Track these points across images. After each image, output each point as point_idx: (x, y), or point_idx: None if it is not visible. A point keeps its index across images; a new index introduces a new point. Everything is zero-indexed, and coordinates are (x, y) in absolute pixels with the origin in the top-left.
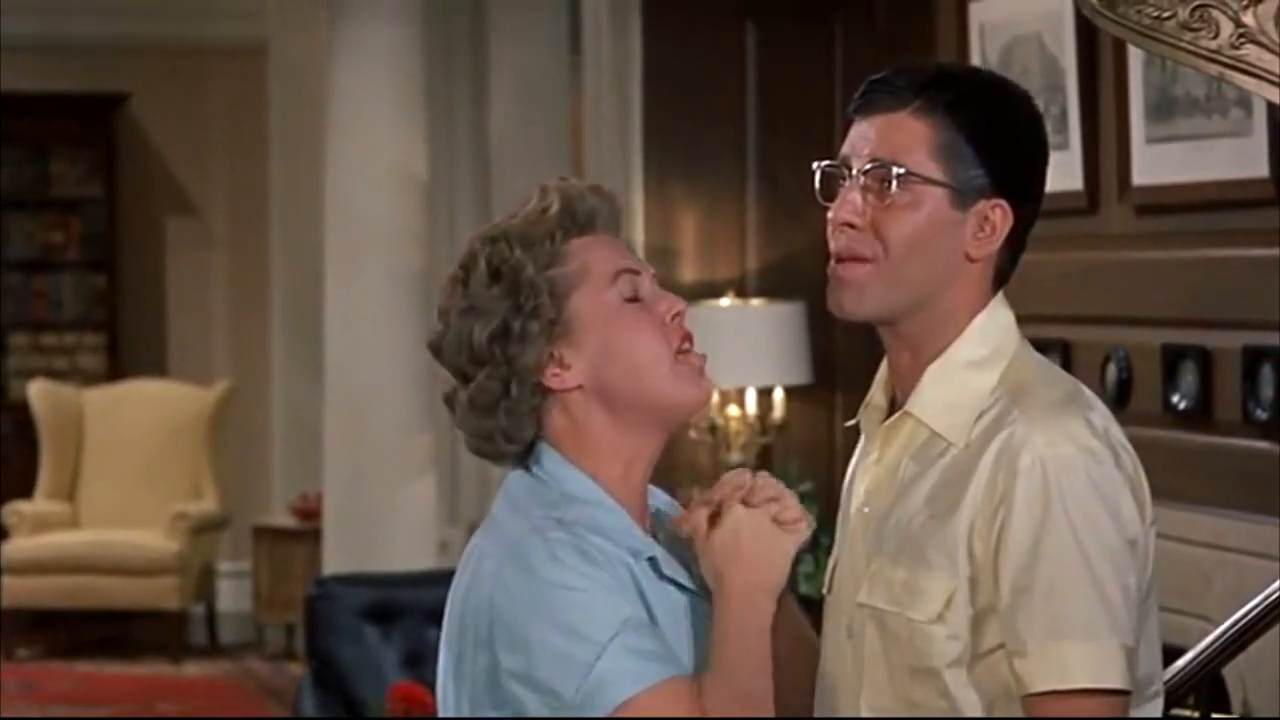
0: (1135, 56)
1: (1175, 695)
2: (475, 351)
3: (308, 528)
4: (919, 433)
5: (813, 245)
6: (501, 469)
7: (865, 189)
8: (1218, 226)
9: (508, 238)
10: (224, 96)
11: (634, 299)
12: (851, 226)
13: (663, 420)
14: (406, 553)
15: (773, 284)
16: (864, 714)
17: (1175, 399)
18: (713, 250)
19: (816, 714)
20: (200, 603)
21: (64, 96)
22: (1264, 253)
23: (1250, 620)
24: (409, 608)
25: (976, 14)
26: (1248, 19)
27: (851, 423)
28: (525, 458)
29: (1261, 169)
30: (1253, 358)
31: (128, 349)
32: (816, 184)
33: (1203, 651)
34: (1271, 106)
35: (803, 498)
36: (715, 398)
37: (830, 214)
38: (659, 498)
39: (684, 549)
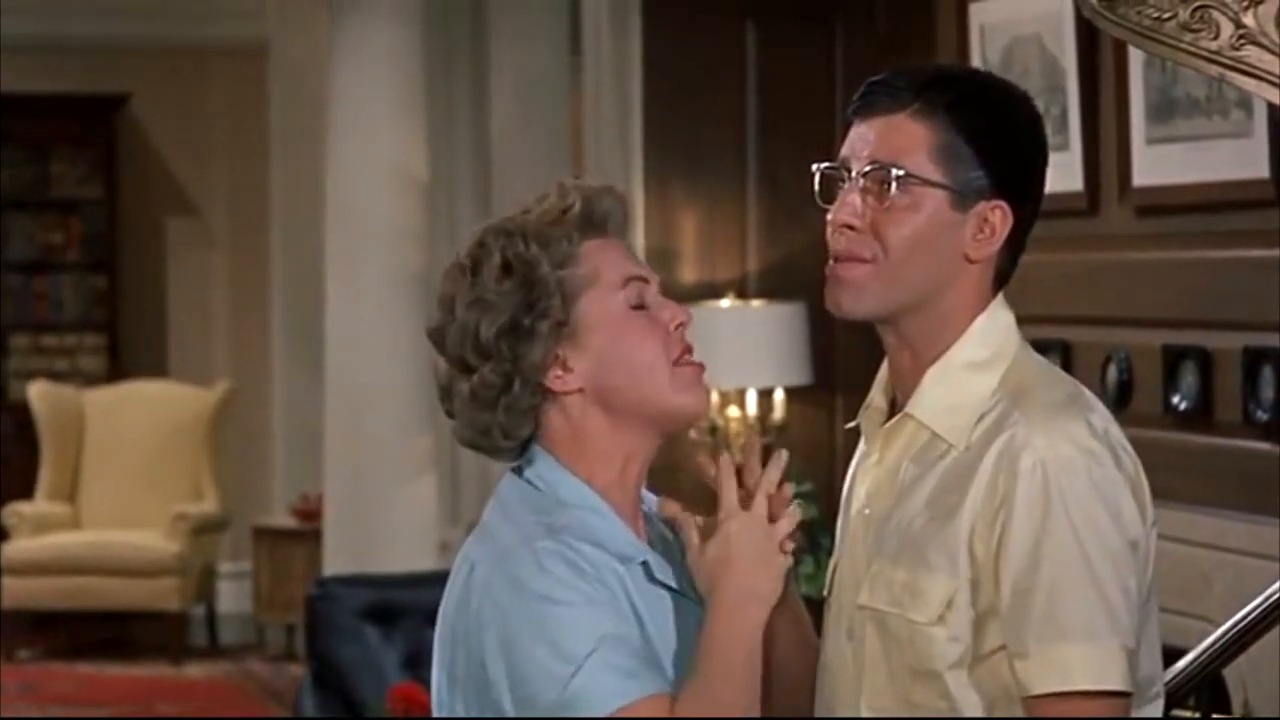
0: (1135, 57)
1: (1176, 696)
2: (481, 345)
3: (308, 528)
4: (920, 435)
5: (813, 246)
6: (502, 468)
7: (865, 191)
8: (1218, 227)
9: (524, 233)
10: (224, 97)
11: (639, 306)
12: (851, 228)
13: (659, 427)
14: (407, 553)
15: (773, 285)
16: (864, 714)
17: (1176, 400)
18: (713, 251)
19: (817, 715)
20: (201, 604)
21: (64, 97)
22: (1264, 253)
23: (1251, 621)
24: (409, 608)
25: (977, 15)
26: (1248, 20)
27: (852, 425)
28: (519, 455)
29: (1262, 170)
30: (1253, 359)
31: (128, 350)
32: (816, 186)
33: (1203, 652)
34: (1272, 107)
35: (803, 498)
36: (715, 398)
37: (830, 216)
38: (652, 502)
39: (677, 552)
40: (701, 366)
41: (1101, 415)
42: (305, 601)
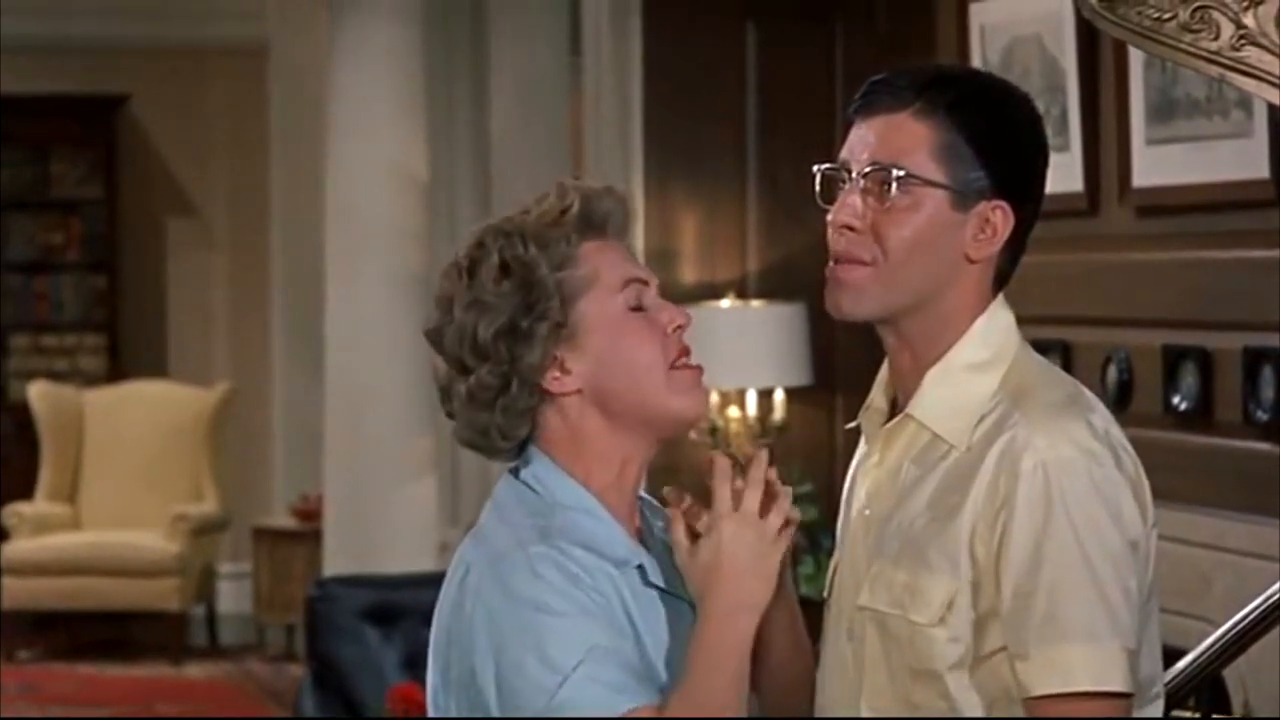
0: (1136, 58)
1: (1176, 697)
2: (479, 346)
3: (308, 529)
4: (920, 435)
5: (813, 246)
6: (502, 469)
7: (865, 191)
8: (1218, 228)
9: (523, 234)
10: (224, 97)
11: (638, 308)
12: (851, 229)
13: (657, 430)
14: (407, 554)
15: (773, 285)
16: (864, 714)
17: (1176, 400)
18: (713, 251)
19: (816, 715)
20: (201, 604)
21: (64, 97)
22: (1264, 254)
23: (1251, 622)
24: (409, 609)
25: (977, 15)
26: (1248, 20)
27: (852, 425)
28: (516, 455)
29: (1262, 170)
30: (1253, 359)
31: (128, 350)
32: (816, 187)
33: (1203, 653)
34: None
35: (802, 499)
36: (715, 399)
37: (830, 216)
38: (650, 505)
39: (672, 555)
40: (700, 369)
41: (1102, 416)
42: (305, 602)
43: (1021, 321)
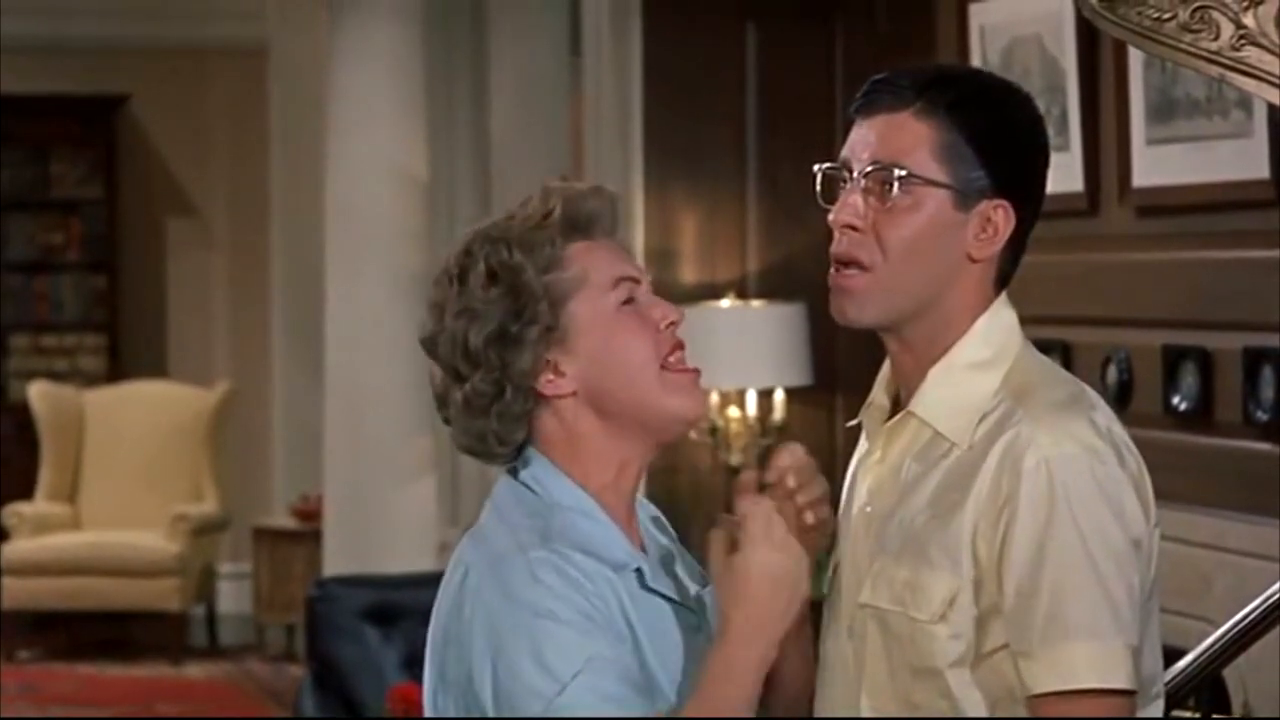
0: (1136, 58)
1: (1176, 697)
2: (471, 353)
3: (308, 529)
4: (922, 433)
5: (813, 246)
6: (500, 469)
7: (866, 191)
8: (1218, 228)
9: (507, 240)
10: (224, 97)
11: (630, 304)
12: (853, 229)
13: (654, 431)
14: (407, 554)
15: (773, 285)
16: (864, 713)
17: (1176, 400)
18: (713, 251)
19: (816, 713)
20: (201, 604)
21: (64, 98)
22: (1264, 254)
23: (1251, 622)
24: (409, 609)
25: (977, 15)
26: (1248, 20)
27: (853, 423)
28: (515, 459)
29: (1262, 170)
30: (1253, 359)
31: (128, 350)
32: (817, 187)
33: (1203, 653)
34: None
35: None
36: (715, 399)
37: (831, 216)
38: (647, 509)
39: (670, 558)
40: (697, 371)
41: (1104, 414)
42: (305, 602)
43: (1022, 321)
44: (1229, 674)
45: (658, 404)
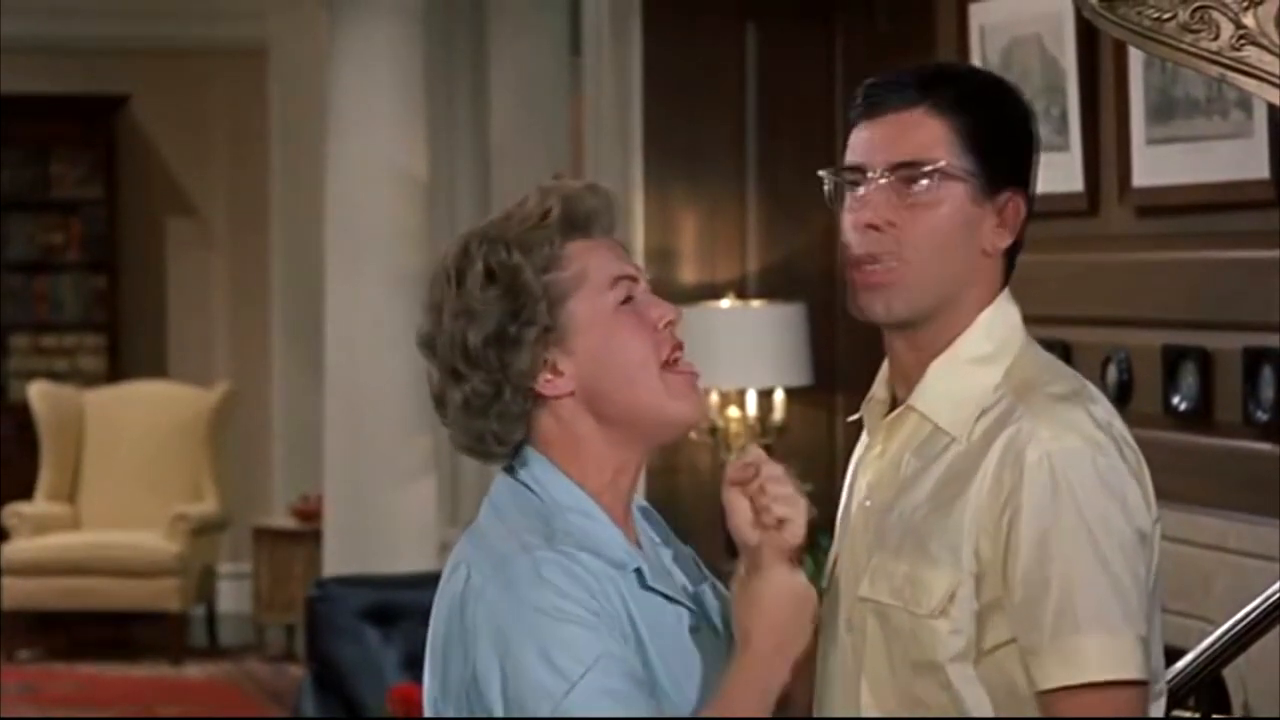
0: (1135, 58)
1: (1176, 696)
2: (470, 355)
3: (308, 529)
4: (922, 427)
5: (813, 246)
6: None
7: (886, 189)
8: (1218, 228)
9: (505, 240)
10: (224, 97)
11: (628, 302)
12: (874, 228)
13: (652, 434)
14: (407, 554)
15: (773, 285)
16: (864, 707)
17: (1176, 400)
18: (713, 251)
19: (815, 707)
20: (201, 604)
21: (64, 98)
22: (1264, 254)
23: (1251, 621)
24: (409, 609)
25: (977, 15)
26: (1248, 20)
27: (854, 417)
28: (513, 457)
29: (1262, 170)
30: (1253, 359)
31: (128, 350)
32: (826, 192)
33: (1203, 652)
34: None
35: None
36: (715, 399)
37: (850, 217)
38: (644, 509)
39: (667, 557)
40: (696, 374)
41: (1105, 408)
42: (305, 602)
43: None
44: (1229, 674)
45: (655, 406)
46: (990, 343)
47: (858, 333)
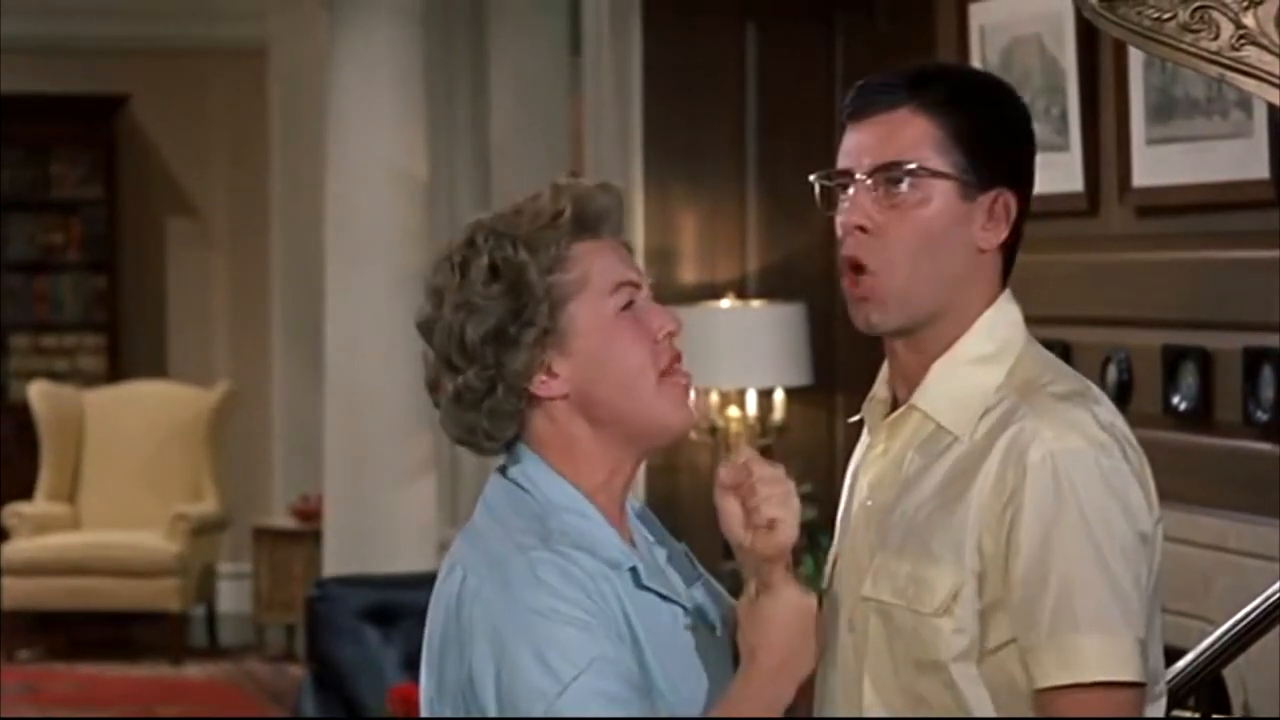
0: (1135, 58)
1: (1176, 696)
2: (466, 348)
3: (308, 529)
4: (924, 426)
5: (813, 246)
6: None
7: (873, 190)
8: (1218, 228)
9: (514, 236)
10: (224, 97)
11: (628, 308)
12: (863, 230)
13: (645, 440)
14: (407, 554)
15: (773, 285)
16: (866, 707)
17: (1176, 400)
18: (713, 251)
19: (816, 705)
20: (200, 604)
21: (64, 98)
22: (1264, 254)
23: (1251, 621)
24: (409, 609)
25: (977, 15)
26: (1248, 20)
27: (855, 418)
28: (506, 450)
29: (1262, 170)
30: (1253, 359)
31: (128, 350)
32: (816, 194)
33: (1203, 652)
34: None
35: (803, 499)
36: (715, 398)
37: (840, 220)
38: (637, 508)
39: (661, 555)
40: (689, 377)
41: (1108, 409)
42: (305, 602)
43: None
44: (1229, 674)
45: (649, 414)
46: (992, 343)
47: (858, 333)
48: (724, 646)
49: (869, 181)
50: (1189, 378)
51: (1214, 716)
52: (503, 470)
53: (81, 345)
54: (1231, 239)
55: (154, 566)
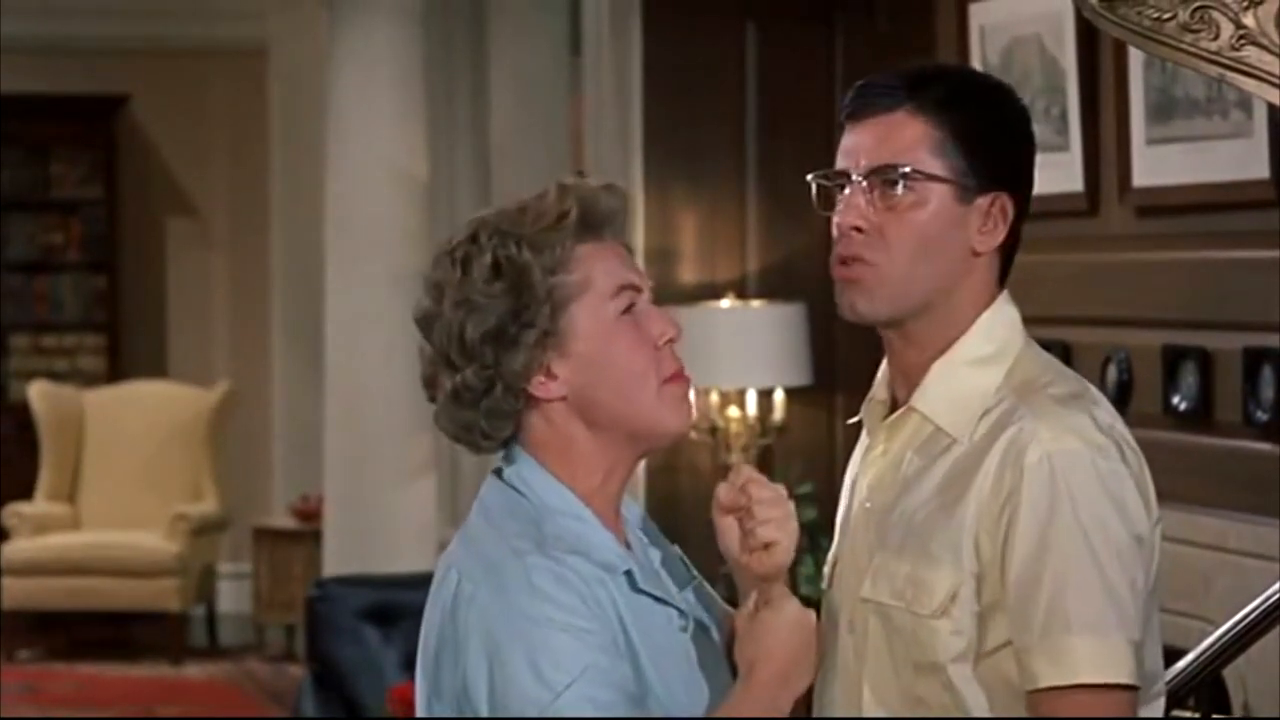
0: (1135, 58)
1: (1176, 697)
2: (466, 347)
3: (308, 529)
4: (923, 428)
5: (813, 246)
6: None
7: (869, 192)
8: (1218, 228)
9: (518, 236)
10: (224, 97)
11: (629, 311)
12: (859, 230)
13: (642, 442)
14: (407, 554)
15: (773, 285)
16: (865, 707)
17: (1176, 400)
18: (713, 251)
19: (815, 707)
20: (200, 604)
21: (64, 98)
22: (1264, 254)
23: (1251, 621)
24: (409, 609)
25: (977, 15)
26: (1248, 20)
27: (854, 420)
28: (501, 449)
29: (1262, 170)
30: (1253, 359)
31: (128, 350)
32: (814, 194)
33: (1203, 653)
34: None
35: (802, 499)
36: (715, 398)
37: (836, 220)
38: (632, 511)
39: (656, 558)
40: (689, 385)
41: (1107, 411)
42: (305, 602)
43: (1022, 321)
44: (1229, 674)
45: (647, 418)
46: (990, 344)
47: (858, 333)
48: (719, 650)
49: (865, 183)
50: (1189, 378)
51: (1214, 716)
52: (498, 473)
53: (81, 345)
54: (1231, 239)
55: (154, 566)
